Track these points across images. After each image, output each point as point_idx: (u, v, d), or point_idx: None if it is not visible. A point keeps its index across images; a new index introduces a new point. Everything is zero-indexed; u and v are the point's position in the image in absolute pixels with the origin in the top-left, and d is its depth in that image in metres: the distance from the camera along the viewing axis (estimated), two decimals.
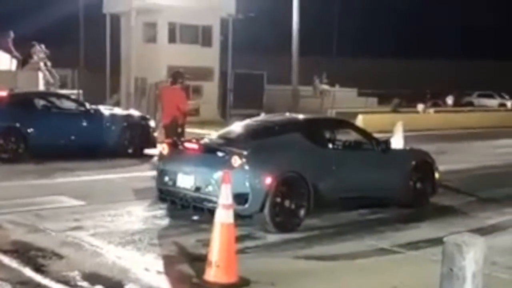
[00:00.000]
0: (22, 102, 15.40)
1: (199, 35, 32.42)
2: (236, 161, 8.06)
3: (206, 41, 32.53)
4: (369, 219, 9.51)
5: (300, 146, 8.96)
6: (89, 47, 31.57)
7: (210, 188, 8.24)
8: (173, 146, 9.13)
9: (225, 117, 32.15)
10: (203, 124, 25.10)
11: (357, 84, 41.24)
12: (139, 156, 15.17)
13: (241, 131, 9.56)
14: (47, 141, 14.38)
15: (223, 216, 6.24)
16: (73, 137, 15.06)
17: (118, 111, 17.66)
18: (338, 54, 55.76)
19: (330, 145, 9.79)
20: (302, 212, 8.49)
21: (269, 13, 38.84)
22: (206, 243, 6.61)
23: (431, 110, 33.08)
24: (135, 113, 17.27)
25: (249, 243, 7.80)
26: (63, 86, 28.03)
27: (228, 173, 6.53)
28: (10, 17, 29.86)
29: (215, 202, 6.71)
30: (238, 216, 7.79)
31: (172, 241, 7.78)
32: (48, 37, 26.97)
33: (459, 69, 54.75)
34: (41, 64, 24.21)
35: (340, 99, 35.73)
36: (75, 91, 28.05)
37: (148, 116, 17.35)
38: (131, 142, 15.46)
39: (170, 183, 8.81)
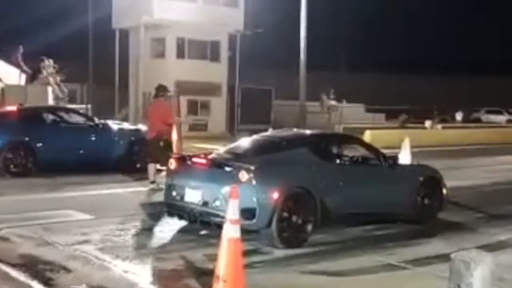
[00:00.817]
0: (31, 117, 15.54)
1: (207, 51, 32.64)
2: (243, 176, 8.07)
3: (214, 57, 32.74)
4: (376, 234, 9.49)
5: (308, 161, 8.95)
6: (98, 62, 31.81)
7: (217, 202, 8.25)
8: (181, 160, 9.16)
9: (232, 132, 32.24)
10: (210, 139, 25.15)
11: (365, 100, 41.30)
12: (147, 170, 15.20)
13: (248, 146, 9.58)
14: (55, 155, 14.48)
15: (231, 231, 6.24)
16: (81, 151, 15.14)
17: (126, 125, 17.75)
18: (346, 70, 55.90)
19: (338, 161, 9.80)
20: (309, 227, 8.48)
21: (277, 29, 39.01)
22: (213, 258, 6.61)
23: (439, 126, 33.04)
24: (143, 128, 17.30)
25: (256, 258, 7.79)
26: (72, 100, 28.23)
27: (236, 188, 6.55)
28: (20, 32, 30.12)
29: (223, 217, 6.71)
30: (245, 231, 7.82)
31: (179, 256, 7.79)
32: (57, 52, 27.18)
33: (467, 85, 54.72)
34: (50, 78, 24.41)
35: (348, 114, 35.82)
36: (83, 106, 28.28)
37: None
38: (139, 157, 15.48)
39: (178, 197, 8.83)
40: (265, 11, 33.98)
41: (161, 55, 32.09)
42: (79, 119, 16.31)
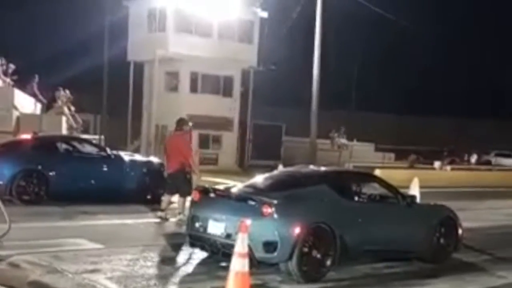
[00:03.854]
0: (45, 145, 15.71)
1: (220, 85, 32.93)
2: (266, 210, 8.23)
3: (227, 92, 33.03)
4: (384, 273, 9.53)
5: (328, 197, 9.11)
6: (112, 94, 32.12)
7: None
8: (204, 192, 9.32)
9: (242, 167, 32.36)
10: (221, 173, 25.26)
11: (375, 139, 41.45)
12: (158, 202, 15.32)
13: (270, 181, 9.73)
14: (67, 184, 14.62)
15: (239, 264, 6.35)
16: (93, 181, 15.27)
17: (138, 157, 17.89)
18: (357, 109, 56.16)
19: (356, 198, 9.97)
20: (328, 262, 8.61)
21: (290, 66, 39.39)
22: None
23: (448, 168, 33.03)
24: (154, 160, 17.47)
25: None
26: (85, 131, 28.50)
27: (245, 223, 6.69)
28: (37, 64, 30.62)
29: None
30: (264, 264, 7.95)
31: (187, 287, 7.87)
32: (73, 83, 27.58)
33: (476, 127, 54.78)
34: (65, 108, 24.73)
35: (358, 153, 35.94)
36: (97, 136, 28.52)
37: None
38: (150, 188, 15.61)
39: (201, 229, 8.99)
40: (279, 48, 34.38)
41: (175, 88, 32.44)
42: (92, 149, 16.46)
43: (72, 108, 25.41)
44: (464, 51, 59.15)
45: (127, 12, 33.25)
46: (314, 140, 32.77)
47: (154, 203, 14.76)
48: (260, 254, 8.14)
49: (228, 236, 8.50)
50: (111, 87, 31.70)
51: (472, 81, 59.85)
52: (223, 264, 8.73)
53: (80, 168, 15.30)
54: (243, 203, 8.64)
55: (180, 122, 13.61)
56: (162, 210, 13.20)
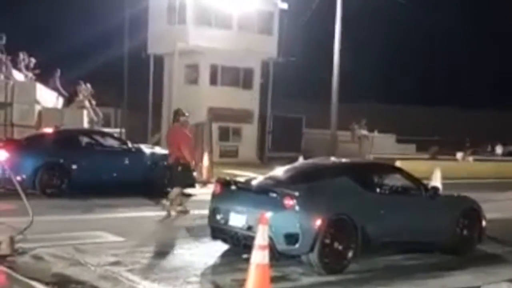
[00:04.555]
0: (67, 139, 15.89)
1: (240, 78, 32.90)
2: (288, 202, 8.23)
3: (247, 84, 32.98)
4: (406, 264, 9.48)
5: (350, 189, 9.09)
6: (132, 87, 32.22)
7: None
8: (226, 185, 9.34)
9: (263, 159, 32.37)
10: (241, 165, 25.30)
11: (396, 130, 41.19)
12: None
13: (291, 173, 9.70)
14: (89, 177, 14.79)
15: (259, 256, 6.35)
16: (114, 174, 15.40)
17: (158, 150, 17.97)
18: (378, 100, 55.84)
19: (378, 190, 9.92)
20: (350, 254, 8.60)
21: (309, 57, 39.24)
22: (241, 283, 6.71)
23: (470, 159, 32.72)
24: None
25: (283, 285, 7.85)
26: (106, 124, 28.65)
27: (265, 215, 6.69)
28: (59, 58, 30.78)
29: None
30: (286, 256, 7.95)
31: (208, 280, 7.89)
32: (94, 76, 27.69)
33: (499, 118, 54.20)
34: (86, 102, 24.86)
35: (378, 144, 35.74)
36: (117, 130, 28.67)
37: None
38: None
39: (223, 221, 9.02)
40: (298, 39, 34.25)
41: (195, 81, 32.47)
42: (113, 143, 16.61)
43: (93, 102, 25.54)
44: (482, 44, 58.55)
45: (147, 4, 33.32)
46: (335, 132, 32.65)
47: None
48: (281, 246, 8.16)
49: (250, 228, 8.51)
50: (131, 81, 31.80)
51: (492, 73, 59.25)
52: (245, 256, 8.75)
53: (102, 161, 15.47)
54: (264, 195, 8.64)
55: (177, 114, 13.67)
56: (179, 204, 13.21)
